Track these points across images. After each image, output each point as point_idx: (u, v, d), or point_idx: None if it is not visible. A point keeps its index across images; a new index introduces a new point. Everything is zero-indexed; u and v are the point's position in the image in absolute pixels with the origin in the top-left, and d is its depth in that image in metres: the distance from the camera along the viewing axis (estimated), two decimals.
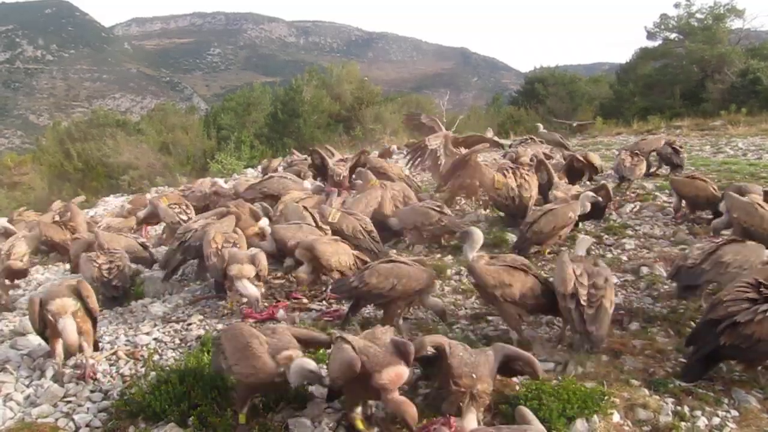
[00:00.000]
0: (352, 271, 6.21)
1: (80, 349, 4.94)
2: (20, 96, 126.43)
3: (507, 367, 4.08)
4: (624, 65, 30.28)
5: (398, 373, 3.62)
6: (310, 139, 24.97)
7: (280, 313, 5.91)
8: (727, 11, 25.14)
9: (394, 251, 7.83)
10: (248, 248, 6.75)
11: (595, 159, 10.39)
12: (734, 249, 5.49)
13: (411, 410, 3.56)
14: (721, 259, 5.39)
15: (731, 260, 5.37)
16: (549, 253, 7.45)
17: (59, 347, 4.87)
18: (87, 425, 4.34)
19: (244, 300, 6.08)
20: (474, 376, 3.77)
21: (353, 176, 10.48)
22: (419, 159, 9.87)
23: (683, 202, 8.27)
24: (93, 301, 5.04)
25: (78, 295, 4.95)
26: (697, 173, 8.97)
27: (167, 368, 4.77)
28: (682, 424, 3.87)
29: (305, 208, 7.68)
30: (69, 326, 4.80)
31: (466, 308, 6.13)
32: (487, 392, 3.82)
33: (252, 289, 5.90)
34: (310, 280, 6.45)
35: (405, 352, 3.73)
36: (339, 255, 6.33)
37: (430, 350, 3.99)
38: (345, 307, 6.17)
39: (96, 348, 5.25)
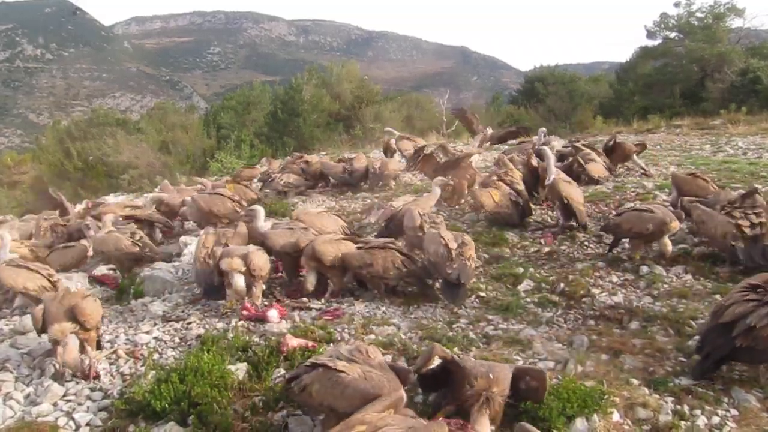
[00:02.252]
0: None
1: (82, 351, 4.94)
2: (20, 95, 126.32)
3: (513, 385, 3.86)
4: (624, 64, 30.26)
5: (403, 398, 3.60)
6: (310, 138, 24.98)
7: (273, 313, 5.85)
8: (727, 10, 25.13)
9: None
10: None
11: (596, 171, 10.41)
12: None
13: None
14: None
15: None
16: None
17: (60, 349, 4.87)
18: (87, 424, 4.33)
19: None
20: (491, 376, 3.67)
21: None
22: (413, 161, 10.85)
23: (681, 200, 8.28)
24: (90, 322, 4.94)
25: (75, 319, 4.87)
26: (699, 172, 8.97)
27: (167, 367, 4.77)
28: (682, 423, 3.87)
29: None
30: (70, 347, 4.78)
31: (465, 307, 6.14)
32: (503, 396, 3.67)
33: (240, 284, 5.90)
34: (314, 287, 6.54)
35: (405, 378, 3.78)
36: (339, 252, 6.39)
37: (436, 361, 3.87)
38: (344, 306, 6.19)
39: (99, 347, 5.25)
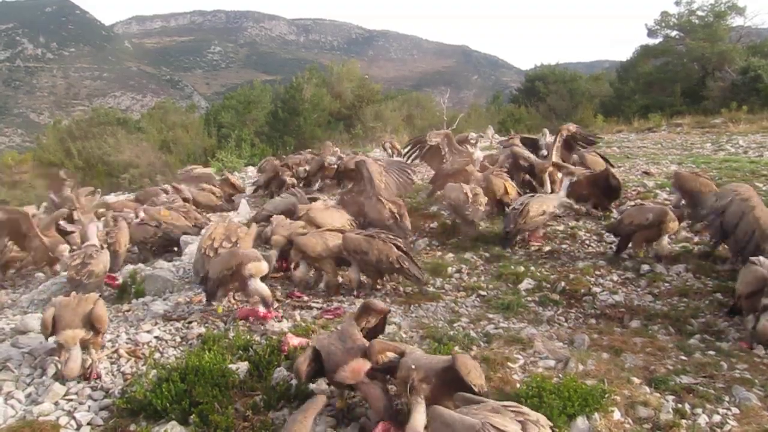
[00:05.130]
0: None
1: (85, 352, 4.95)
2: (21, 94, 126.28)
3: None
4: (624, 63, 30.24)
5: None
6: (311, 137, 25.01)
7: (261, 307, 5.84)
8: (727, 8, 25.12)
9: None
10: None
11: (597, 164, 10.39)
12: None
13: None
14: None
15: None
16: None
17: (65, 354, 4.86)
18: (88, 423, 4.33)
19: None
20: (412, 366, 3.74)
21: None
22: (417, 153, 10.52)
23: (683, 200, 8.22)
24: (104, 328, 5.03)
25: (91, 326, 4.88)
26: (700, 171, 8.93)
27: (168, 366, 4.77)
28: (683, 421, 3.87)
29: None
30: (73, 358, 4.78)
31: (466, 306, 6.14)
32: (428, 384, 3.65)
33: (264, 288, 5.90)
34: (307, 277, 6.70)
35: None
36: (326, 243, 6.52)
37: (390, 356, 3.96)
38: (345, 305, 6.19)
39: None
